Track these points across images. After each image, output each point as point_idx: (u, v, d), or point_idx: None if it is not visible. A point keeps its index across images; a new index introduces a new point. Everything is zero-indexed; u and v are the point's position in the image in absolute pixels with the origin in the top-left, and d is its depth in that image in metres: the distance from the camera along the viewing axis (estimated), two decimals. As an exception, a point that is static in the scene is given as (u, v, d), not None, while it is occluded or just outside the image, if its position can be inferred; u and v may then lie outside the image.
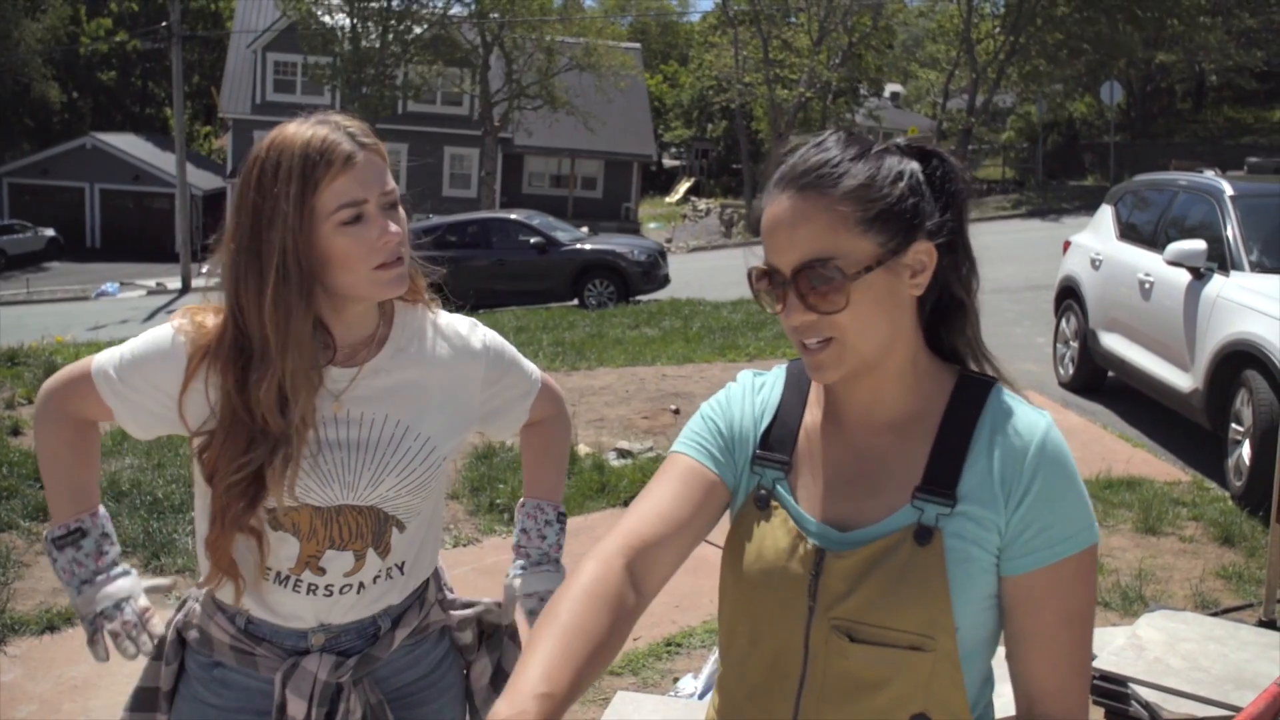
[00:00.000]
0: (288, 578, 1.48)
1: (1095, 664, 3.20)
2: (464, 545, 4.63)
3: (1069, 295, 7.67)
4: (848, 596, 1.12)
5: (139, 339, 1.47)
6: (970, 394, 1.19)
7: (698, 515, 1.20)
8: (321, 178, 1.34)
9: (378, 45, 28.59)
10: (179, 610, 1.58)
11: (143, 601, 1.53)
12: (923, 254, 1.15)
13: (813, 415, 1.25)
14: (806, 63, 32.25)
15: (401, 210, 1.43)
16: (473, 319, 1.61)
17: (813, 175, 1.13)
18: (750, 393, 1.29)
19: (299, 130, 1.38)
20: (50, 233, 33.67)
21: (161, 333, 1.45)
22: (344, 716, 1.47)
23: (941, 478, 1.14)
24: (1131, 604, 3.95)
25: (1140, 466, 5.74)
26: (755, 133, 36.80)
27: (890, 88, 45.42)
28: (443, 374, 1.53)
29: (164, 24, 26.92)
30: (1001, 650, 1.19)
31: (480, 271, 15.22)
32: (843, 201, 1.11)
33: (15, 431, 5.98)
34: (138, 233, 34.17)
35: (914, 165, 1.17)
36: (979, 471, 1.13)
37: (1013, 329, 10.22)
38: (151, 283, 26.53)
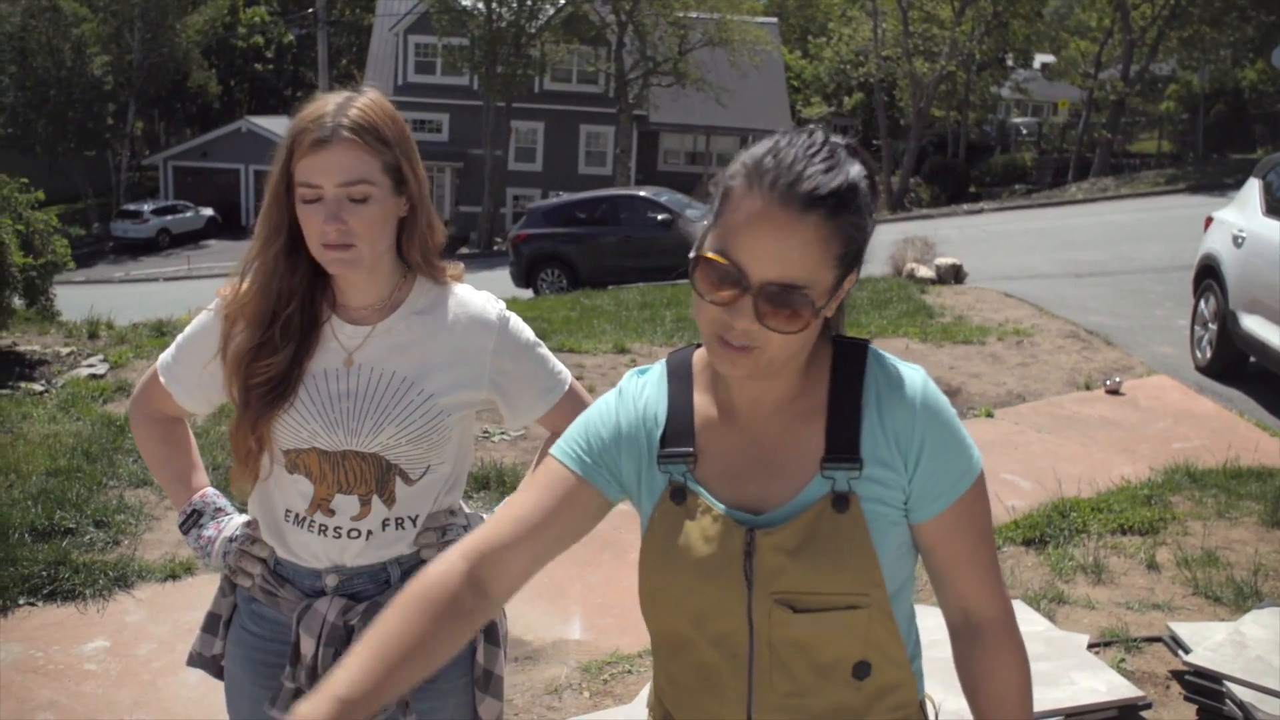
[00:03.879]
0: (303, 518, 1.63)
1: (1189, 659, 3.06)
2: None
3: (1208, 274, 7.25)
4: (782, 571, 1.16)
5: (188, 325, 1.70)
6: (849, 361, 1.23)
7: (557, 521, 1.24)
8: (295, 152, 1.50)
9: (510, 25, 29.02)
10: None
11: (238, 532, 1.70)
12: (851, 281, 1.18)
13: (703, 407, 1.26)
14: (949, 34, 31.22)
15: (374, 205, 1.52)
16: (500, 301, 1.68)
17: (827, 198, 1.09)
18: (636, 396, 1.29)
19: (313, 102, 1.52)
20: (209, 212, 35.66)
21: (203, 312, 1.67)
22: None
23: (843, 445, 1.19)
24: (1245, 600, 3.74)
25: (1275, 457, 5.40)
26: (895, 106, 35.87)
27: (1040, 58, 43.45)
28: (452, 337, 1.63)
29: (310, 10, 28.02)
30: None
31: (608, 248, 15.37)
32: (835, 233, 1.10)
33: (158, 396, 6.40)
34: (288, 211, 35.81)
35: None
36: (874, 434, 1.19)
37: (1153, 310, 9.73)
38: (299, 258, 27.77)
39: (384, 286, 1.62)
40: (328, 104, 1.52)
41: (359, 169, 1.49)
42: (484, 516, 1.72)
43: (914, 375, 1.22)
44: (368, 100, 1.54)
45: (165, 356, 1.72)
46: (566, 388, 1.72)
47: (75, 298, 12.66)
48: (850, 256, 1.14)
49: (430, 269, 1.64)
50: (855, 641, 1.18)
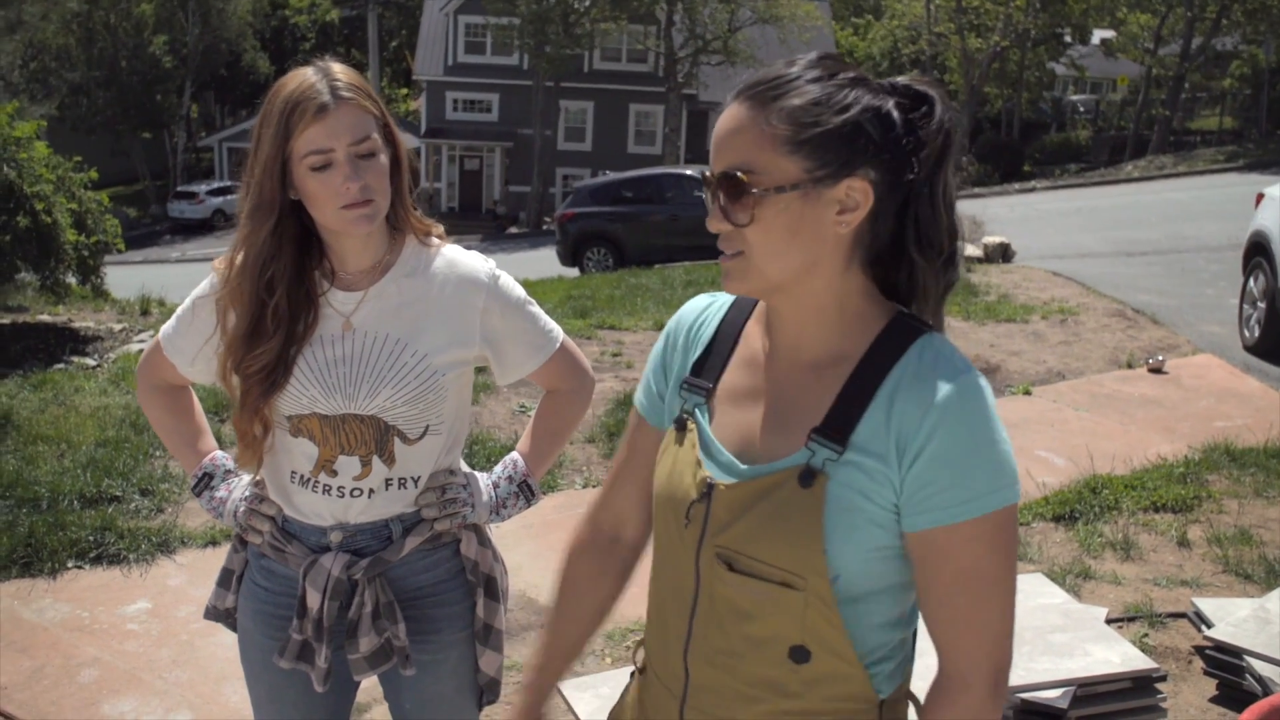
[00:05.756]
0: (308, 479, 1.68)
1: (1211, 634, 3.04)
2: (594, 486, 4.80)
3: (1258, 252, 7.11)
4: (729, 526, 1.15)
5: (188, 298, 1.73)
6: (894, 341, 1.14)
7: (634, 458, 1.40)
8: (295, 125, 1.53)
9: (559, 3, 28.98)
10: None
11: (247, 492, 1.76)
12: (856, 192, 1.10)
13: (748, 345, 1.24)
14: (1003, 9, 30.64)
15: (381, 158, 1.57)
16: (490, 260, 1.72)
17: (761, 87, 1.11)
18: (692, 319, 1.31)
19: (293, 78, 1.56)
20: (263, 192, 36.11)
21: (201, 285, 1.70)
22: (356, 609, 1.65)
23: (838, 423, 1.12)
24: (1276, 577, 3.69)
25: (1321, 436, 5.29)
26: (947, 85, 35.29)
27: (1099, 34, 42.42)
28: (443, 296, 1.66)
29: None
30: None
31: (655, 227, 15.36)
32: (776, 117, 1.09)
33: (205, 370, 6.56)
34: (340, 191, 36.19)
35: (884, 102, 1.11)
36: (875, 422, 1.10)
37: (1204, 290, 9.55)
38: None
39: (378, 248, 1.66)
40: (307, 76, 1.56)
41: (364, 126, 1.56)
42: (479, 475, 1.77)
43: (955, 372, 1.09)
44: (340, 65, 1.60)
45: (167, 328, 1.76)
46: (558, 346, 1.76)
47: (132, 277, 12.98)
48: (815, 145, 1.08)
49: (417, 223, 1.68)
50: (790, 623, 1.13)
